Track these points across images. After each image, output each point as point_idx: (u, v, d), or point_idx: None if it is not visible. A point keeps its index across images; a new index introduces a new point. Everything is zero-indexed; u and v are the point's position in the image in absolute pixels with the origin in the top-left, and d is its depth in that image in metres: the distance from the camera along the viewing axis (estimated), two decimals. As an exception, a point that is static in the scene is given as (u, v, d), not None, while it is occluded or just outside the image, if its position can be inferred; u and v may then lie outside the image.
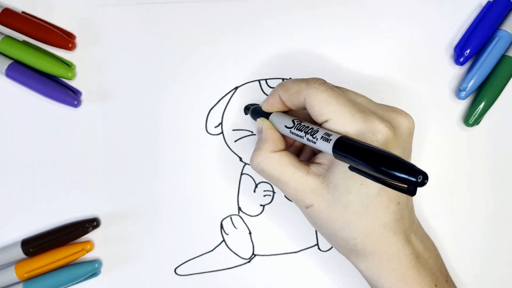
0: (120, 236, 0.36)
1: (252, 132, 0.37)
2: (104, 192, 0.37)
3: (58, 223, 0.36)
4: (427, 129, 0.37)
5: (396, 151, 0.28)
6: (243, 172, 0.37)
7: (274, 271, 0.36)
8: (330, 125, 0.28)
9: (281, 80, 0.37)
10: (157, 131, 0.37)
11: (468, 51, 0.37)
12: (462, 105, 0.38)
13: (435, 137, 0.37)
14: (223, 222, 0.37)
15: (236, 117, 0.37)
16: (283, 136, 0.31)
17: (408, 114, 0.30)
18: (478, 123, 0.37)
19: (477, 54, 0.37)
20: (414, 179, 0.22)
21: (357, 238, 0.28)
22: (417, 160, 0.37)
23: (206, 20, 0.38)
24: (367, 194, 0.28)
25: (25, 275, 0.34)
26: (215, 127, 0.37)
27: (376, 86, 0.38)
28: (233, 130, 0.37)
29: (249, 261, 0.37)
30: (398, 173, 0.22)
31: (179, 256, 0.36)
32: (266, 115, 0.33)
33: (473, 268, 0.36)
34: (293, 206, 0.37)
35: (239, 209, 0.37)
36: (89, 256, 0.36)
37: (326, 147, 0.27)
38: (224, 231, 0.37)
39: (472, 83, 0.36)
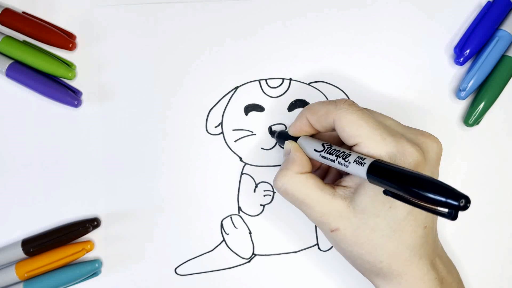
0: (120, 236, 0.36)
1: (252, 132, 0.37)
2: (104, 192, 0.37)
3: (58, 223, 0.36)
4: (427, 129, 0.37)
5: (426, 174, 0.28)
6: (243, 172, 0.37)
7: (274, 271, 0.36)
8: (361, 148, 0.28)
9: (281, 80, 0.37)
10: (157, 131, 0.37)
11: (468, 51, 0.37)
12: (462, 105, 0.38)
13: (435, 137, 0.37)
14: (223, 222, 0.37)
15: (236, 117, 0.37)
16: (310, 160, 0.31)
17: (436, 138, 0.30)
18: (478, 123, 0.37)
19: (477, 54, 0.37)
20: (456, 203, 0.21)
21: (384, 261, 0.28)
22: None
23: (206, 20, 0.38)
24: (395, 218, 0.27)
25: (26, 275, 0.34)
26: (215, 127, 0.37)
27: (376, 86, 0.38)
28: (233, 130, 0.37)
29: (249, 261, 0.37)
30: (439, 197, 0.22)
31: (179, 256, 0.36)
32: (293, 139, 0.32)
33: (473, 268, 0.36)
34: (293, 206, 0.37)
35: (239, 209, 0.37)
36: (89, 256, 0.36)
37: (360, 171, 0.26)
38: (224, 231, 0.37)
39: (472, 83, 0.36)
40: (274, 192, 0.37)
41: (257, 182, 0.37)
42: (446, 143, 0.37)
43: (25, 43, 0.37)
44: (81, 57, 0.38)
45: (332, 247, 0.37)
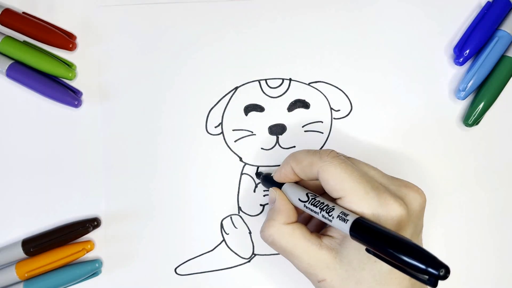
0: (120, 236, 0.37)
1: (252, 132, 0.37)
2: (104, 192, 0.37)
3: (58, 223, 0.36)
4: (426, 129, 0.37)
5: (409, 228, 0.28)
6: (243, 172, 0.37)
7: (274, 271, 0.36)
8: (344, 202, 0.28)
9: (281, 80, 0.38)
10: (157, 131, 0.37)
11: (467, 51, 0.37)
12: (461, 105, 0.38)
13: (434, 137, 0.37)
14: (223, 222, 0.37)
15: (236, 117, 0.37)
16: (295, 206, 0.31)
17: (419, 189, 0.30)
18: (477, 123, 0.37)
19: (476, 54, 0.37)
20: (436, 272, 0.21)
21: None
22: (417, 160, 0.37)
23: (206, 20, 0.38)
24: (380, 271, 0.28)
25: (26, 275, 0.35)
26: (215, 127, 0.37)
27: (376, 86, 0.38)
28: (233, 130, 0.37)
29: (249, 261, 0.37)
30: (419, 264, 0.22)
31: (179, 256, 0.36)
32: (279, 184, 0.32)
33: (472, 268, 0.37)
34: (293, 206, 0.37)
35: (239, 209, 0.37)
36: (89, 255, 0.36)
37: (343, 227, 0.26)
38: (224, 231, 0.37)
39: (471, 83, 0.36)
40: (274, 192, 0.37)
41: (257, 182, 0.37)
42: (446, 143, 0.37)
43: (25, 43, 0.37)
44: (81, 57, 0.38)
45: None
